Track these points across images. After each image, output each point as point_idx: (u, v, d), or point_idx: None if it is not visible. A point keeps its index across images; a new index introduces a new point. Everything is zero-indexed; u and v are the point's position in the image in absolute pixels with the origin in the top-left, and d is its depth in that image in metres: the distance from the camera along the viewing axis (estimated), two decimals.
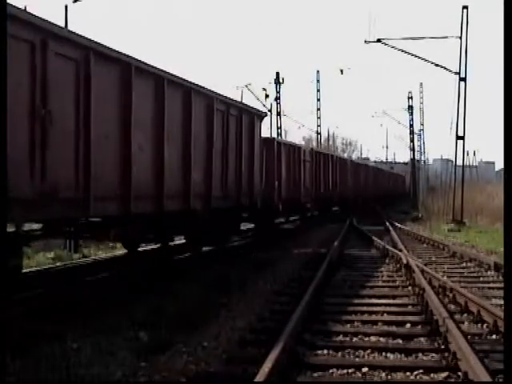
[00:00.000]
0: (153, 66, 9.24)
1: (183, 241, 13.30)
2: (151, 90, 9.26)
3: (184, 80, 10.42)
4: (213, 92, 11.74)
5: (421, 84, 59.27)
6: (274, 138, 20.27)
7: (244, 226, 17.54)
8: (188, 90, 10.54)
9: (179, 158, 10.32)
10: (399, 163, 76.46)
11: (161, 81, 9.45)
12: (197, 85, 10.91)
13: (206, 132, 11.49)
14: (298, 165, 21.42)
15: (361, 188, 37.09)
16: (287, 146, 20.62)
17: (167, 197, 9.66)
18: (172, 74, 9.84)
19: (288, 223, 24.23)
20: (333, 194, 28.45)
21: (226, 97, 12.54)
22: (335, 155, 31.89)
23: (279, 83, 40.22)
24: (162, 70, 9.51)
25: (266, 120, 44.78)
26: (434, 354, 5.99)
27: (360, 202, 36.53)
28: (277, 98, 40.53)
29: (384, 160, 77.35)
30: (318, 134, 47.48)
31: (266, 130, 39.80)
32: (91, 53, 7.55)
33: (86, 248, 14.21)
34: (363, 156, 80.00)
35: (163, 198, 9.54)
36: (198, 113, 10.90)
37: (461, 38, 26.20)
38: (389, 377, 5.42)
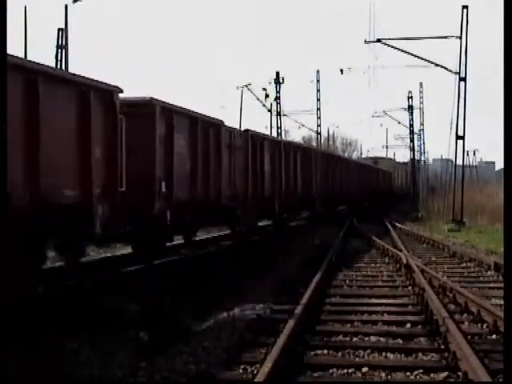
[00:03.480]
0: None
1: None
2: None
3: None
4: None
5: (421, 84, 58.82)
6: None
7: None
8: None
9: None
10: (385, 158, 73.82)
11: None
12: None
13: None
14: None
15: (292, 184, 19.68)
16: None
17: None
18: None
19: None
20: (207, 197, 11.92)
21: None
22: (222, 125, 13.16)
23: (279, 83, 40.18)
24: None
25: (266, 119, 44.61)
26: (433, 354, 6.00)
27: (292, 206, 20.02)
28: (277, 98, 40.50)
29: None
30: (318, 134, 47.49)
31: (265, 129, 39.70)
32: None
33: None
34: (363, 156, 79.78)
35: None
36: None
37: (461, 37, 26.20)
38: (389, 377, 5.43)
